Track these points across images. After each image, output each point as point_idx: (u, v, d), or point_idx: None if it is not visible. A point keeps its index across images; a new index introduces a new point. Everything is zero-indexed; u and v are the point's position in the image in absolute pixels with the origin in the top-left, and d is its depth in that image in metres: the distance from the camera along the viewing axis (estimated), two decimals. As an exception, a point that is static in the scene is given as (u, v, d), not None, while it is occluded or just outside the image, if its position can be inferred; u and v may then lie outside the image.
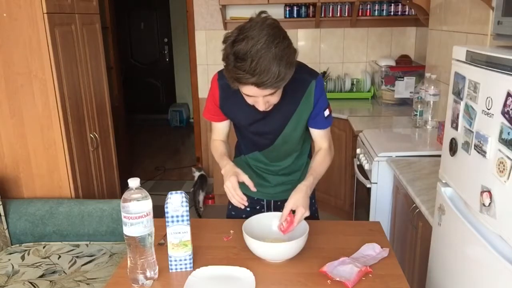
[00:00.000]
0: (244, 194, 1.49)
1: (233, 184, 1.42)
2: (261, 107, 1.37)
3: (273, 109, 1.45)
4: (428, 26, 3.03)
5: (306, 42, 4.05)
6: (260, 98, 1.33)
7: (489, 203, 1.15)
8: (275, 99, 1.37)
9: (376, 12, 3.80)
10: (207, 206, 3.97)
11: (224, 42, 1.29)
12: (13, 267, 2.03)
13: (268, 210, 1.81)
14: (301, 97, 1.50)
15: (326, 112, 1.55)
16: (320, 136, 1.61)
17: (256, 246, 1.36)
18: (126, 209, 1.22)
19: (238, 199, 1.42)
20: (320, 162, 1.57)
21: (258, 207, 1.80)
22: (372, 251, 1.41)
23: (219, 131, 1.66)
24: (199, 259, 1.39)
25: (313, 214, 1.74)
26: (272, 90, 1.30)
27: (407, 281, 1.29)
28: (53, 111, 2.27)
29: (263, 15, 1.34)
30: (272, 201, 1.80)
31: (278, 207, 1.76)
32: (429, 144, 2.50)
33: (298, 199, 1.40)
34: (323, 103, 1.54)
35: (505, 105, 1.08)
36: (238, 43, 1.23)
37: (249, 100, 1.38)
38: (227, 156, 1.58)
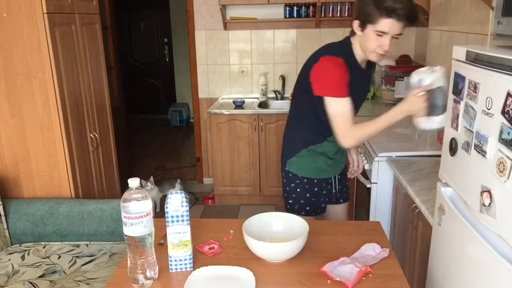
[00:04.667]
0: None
1: (418, 97, 1.61)
2: (386, 46, 1.63)
3: (367, 73, 1.85)
4: (428, 26, 3.03)
5: (306, 42, 4.05)
6: (388, 37, 1.62)
7: (489, 203, 1.15)
8: (391, 47, 1.66)
9: (376, 12, 3.80)
10: (207, 206, 3.97)
11: None
12: (13, 267, 2.03)
13: (335, 184, 2.04)
14: (371, 64, 1.89)
15: None
16: None
17: (256, 246, 1.36)
18: (126, 209, 1.22)
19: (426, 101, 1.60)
20: None
21: (329, 187, 2.02)
22: (372, 251, 1.41)
23: (351, 111, 1.74)
24: (199, 259, 1.39)
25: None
26: (401, 28, 1.60)
27: (407, 281, 1.29)
28: (53, 111, 2.27)
29: None
30: (336, 175, 2.04)
31: (337, 180, 2.05)
32: (429, 144, 2.49)
33: (355, 153, 2.14)
34: None
35: (505, 105, 1.08)
36: None
37: (374, 44, 1.64)
38: (382, 116, 1.75)
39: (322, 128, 1.82)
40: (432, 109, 1.59)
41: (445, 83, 1.56)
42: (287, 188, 1.97)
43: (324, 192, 1.99)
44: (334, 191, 2.05)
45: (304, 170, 1.94)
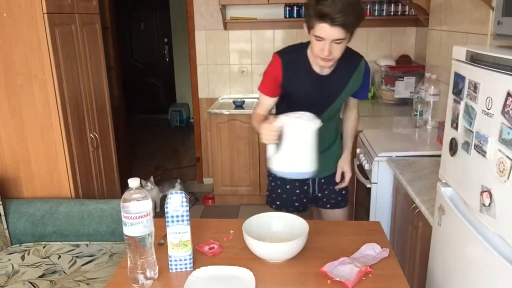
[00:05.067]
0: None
1: (268, 127, 1.57)
2: (325, 51, 1.57)
3: (328, 79, 1.75)
4: (428, 26, 3.03)
5: (306, 42, 4.05)
6: (327, 42, 1.55)
7: (489, 203, 1.15)
8: (337, 52, 1.60)
9: (376, 12, 3.80)
10: (207, 206, 3.97)
11: None
12: (13, 267, 2.03)
13: (314, 187, 2.01)
14: (352, 72, 1.80)
15: (368, 87, 1.94)
16: (354, 103, 2.00)
17: (256, 246, 1.37)
18: (126, 209, 1.22)
19: (272, 136, 1.56)
20: (354, 127, 2.04)
21: (306, 187, 1.99)
22: (372, 251, 1.41)
23: (266, 106, 1.84)
24: (199, 259, 1.39)
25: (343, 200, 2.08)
26: (340, 34, 1.53)
27: (407, 281, 1.29)
28: (53, 111, 2.27)
29: None
30: (317, 178, 1.98)
31: (322, 184, 2.01)
32: (429, 144, 2.49)
33: (344, 165, 1.98)
34: (369, 80, 1.92)
35: (505, 105, 1.08)
36: None
37: (316, 48, 1.60)
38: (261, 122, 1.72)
39: None
40: (274, 146, 1.59)
41: (290, 135, 1.54)
42: (267, 181, 2.05)
43: (298, 191, 1.97)
44: (316, 194, 2.01)
45: None
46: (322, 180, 2.00)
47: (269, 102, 1.83)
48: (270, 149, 1.61)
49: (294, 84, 1.75)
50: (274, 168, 1.63)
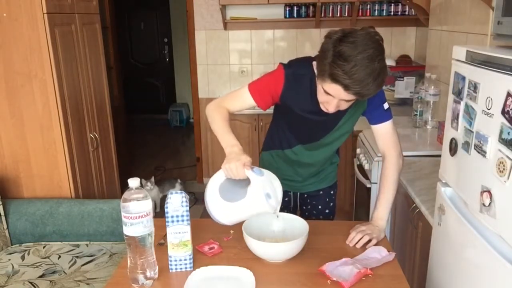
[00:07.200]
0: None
1: (239, 170, 1.41)
2: (331, 108, 1.41)
3: (325, 117, 1.52)
4: (428, 26, 3.03)
5: (306, 42, 4.05)
6: (336, 99, 1.37)
7: (489, 203, 1.15)
8: (344, 106, 1.42)
9: (376, 12, 3.81)
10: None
11: (328, 37, 1.34)
12: (13, 267, 2.03)
13: (295, 201, 1.90)
14: None
15: (386, 105, 1.59)
16: (384, 134, 1.61)
17: (256, 246, 1.36)
18: (126, 209, 1.22)
19: (235, 176, 1.43)
20: (391, 176, 1.64)
21: (286, 199, 1.87)
22: (377, 254, 1.41)
23: (242, 106, 1.63)
24: (199, 259, 1.39)
25: (331, 212, 1.92)
26: (353, 97, 1.34)
27: (407, 281, 1.29)
28: (53, 111, 2.26)
29: (372, 30, 1.33)
30: (299, 193, 1.89)
31: (305, 199, 1.89)
32: (429, 144, 2.50)
33: (374, 231, 1.51)
34: (380, 97, 1.57)
35: (505, 105, 1.08)
36: (345, 44, 1.27)
37: (322, 98, 1.42)
38: (232, 134, 1.57)
39: (288, 136, 1.73)
40: (225, 189, 1.42)
41: (244, 201, 1.37)
42: None
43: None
44: (300, 207, 1.92)
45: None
46: (305, 195, 1.89)
47: (250, 105, 1.60)
48: (220, 176, 1.44)
49: (293, 99, 1.56)
50: (205, 194, 1.47)
